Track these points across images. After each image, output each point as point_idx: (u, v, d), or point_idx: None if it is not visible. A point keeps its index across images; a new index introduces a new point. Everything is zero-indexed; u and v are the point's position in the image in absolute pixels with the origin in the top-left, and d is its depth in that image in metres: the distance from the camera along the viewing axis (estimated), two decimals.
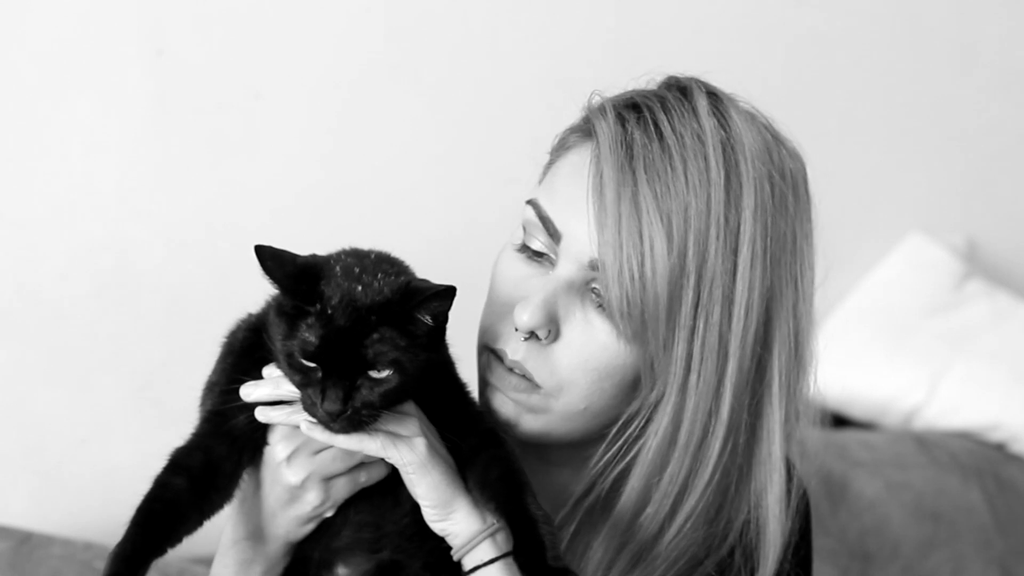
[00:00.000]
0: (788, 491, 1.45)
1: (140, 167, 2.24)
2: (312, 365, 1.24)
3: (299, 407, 1.28)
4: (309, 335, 1.24)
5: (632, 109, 1.40)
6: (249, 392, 1.32)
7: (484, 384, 1.44)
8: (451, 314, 1.30)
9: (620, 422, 1.41)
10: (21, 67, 2.15)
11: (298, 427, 1.29)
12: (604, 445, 1.42)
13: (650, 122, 1.37)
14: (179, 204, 2.28)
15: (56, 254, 2.22)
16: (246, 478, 1.35)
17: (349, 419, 1.25)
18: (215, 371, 1.38)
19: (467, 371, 1.44)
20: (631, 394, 1.40)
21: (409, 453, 1.30)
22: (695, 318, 1.35)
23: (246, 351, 1.35)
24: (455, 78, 2.48)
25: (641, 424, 1.40)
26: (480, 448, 1.35)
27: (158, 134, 2.25)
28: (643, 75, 1.49)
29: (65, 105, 2.19)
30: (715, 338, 1.35)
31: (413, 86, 2.44)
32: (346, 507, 1.36)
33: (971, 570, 2.57)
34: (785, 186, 1.40)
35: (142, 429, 2.27)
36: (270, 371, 1.32)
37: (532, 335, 1.38)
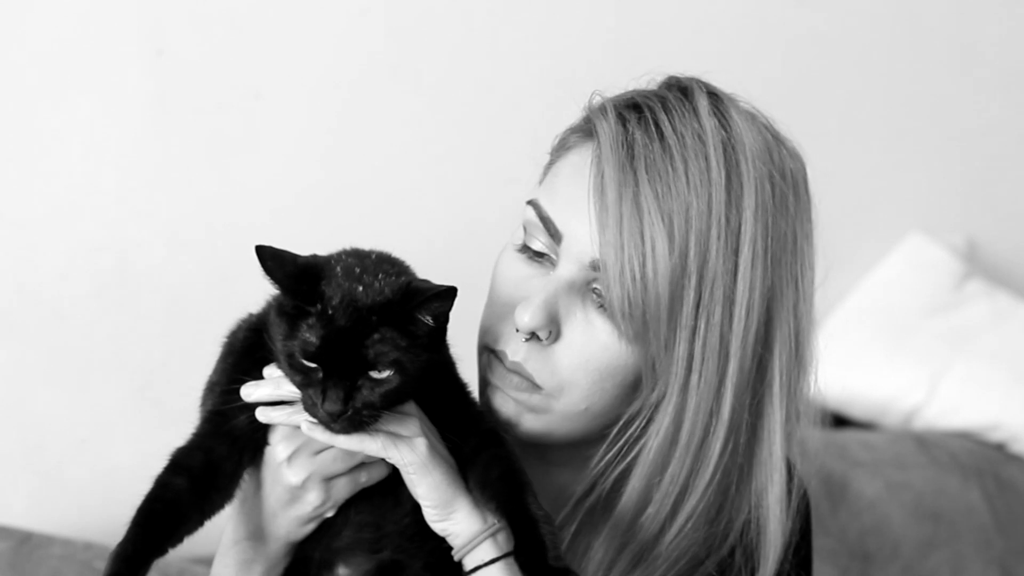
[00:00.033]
0: (789, 491, 1.45)
1: (140, 167, 2.24)
2: (313, 365, 1.24)
3: (300, 407, 1.28)
4: (310, 335, 1.24)
5: (633, 109, 1.40)
6: (250, 392, 1.32)
7: (485, 384, 1.44)
8: (452, 314, 1.30)
9: (621, 422, 1.41)
10: (21, 67, 2.15)
11: (299, 427, 1.29)
12: (605, 445, 1.42)
13: (651, 122, 1.37)
14: (179, 204, 2.28)
15: (56, 254, 2.21)
16: (247, 478, 1.35)
17: (350, 419, 1.25)
18: (216, 371, 1.38)
19: (468, 371, 1.44)
20: (632, 394, 1.40)
21: (410, 453, 1.30)
22: (696, 318, 1.35)
23: (247, 351, 1.35)
24: (455, 78, 2.48)
25: (642, 424, 1.40)
26: (481, 448, 1.35)
27: (158, 134, 2.25)
28: (643, 75, 1.49)
29: (65, 105, 2.19)
30: (716, 338, 1.35)
31: (413, 86, 2.43)
32: (347, 507, 1.36)
33: (971, 570, 2.57)
34: (786, 186, 1.40)
35: (142, 429, 2.27)
36: (271, 371, 1.32)
37: (533, 336, 1.38)
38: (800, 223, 1.42)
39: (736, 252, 1.35)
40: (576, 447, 1.45)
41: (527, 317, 1.36)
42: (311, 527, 1.37)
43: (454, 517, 1.32)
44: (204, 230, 2.30)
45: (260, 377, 1.33)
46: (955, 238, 3.06)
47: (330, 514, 1.36)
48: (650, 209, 1.33)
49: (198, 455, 1.30)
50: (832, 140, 2.83)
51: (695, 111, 1.39)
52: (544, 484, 1.41)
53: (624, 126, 1.38)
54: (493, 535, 1.32)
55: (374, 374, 1.25)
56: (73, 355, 2.24)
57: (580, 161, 1.40)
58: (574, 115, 1.49)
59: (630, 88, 1.47)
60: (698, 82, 1.45)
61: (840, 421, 2.83)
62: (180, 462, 1.30)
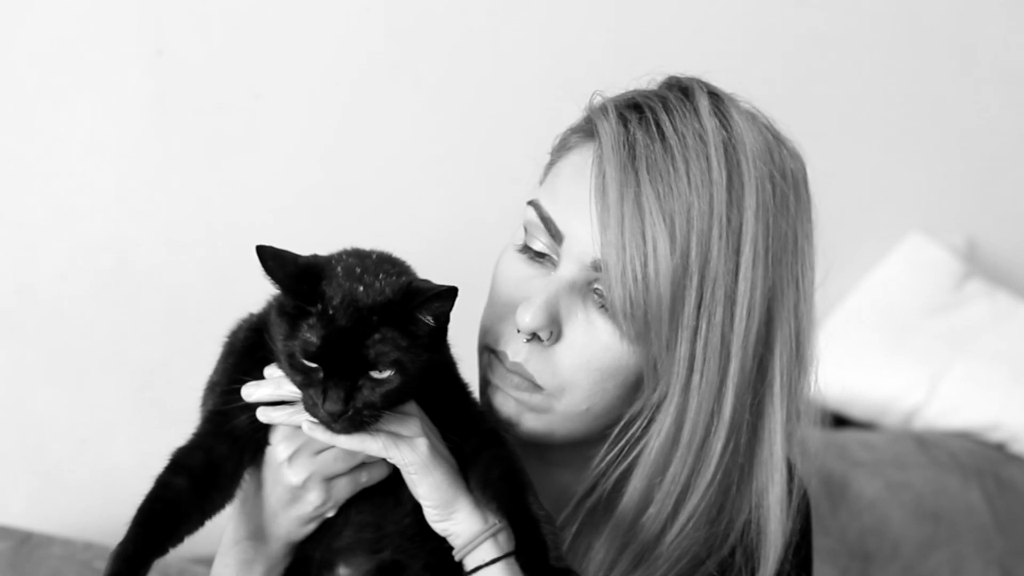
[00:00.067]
0: (789, 491, 1.45)
1: (140, 167, 2.24)
2: (313, 365, 1.24)
3: (300, 407, 1.28)
4: (310, 335, 1.23)
5: (634, 109, 1.40)
6: (250, 392, 1.32)
7: (485, 384, 1.44)
8: (452, 314, 1.30)
9: (622, 422, 1.41)
10: (21, 67, 2.15)
11: (300, 427, 1.29)
12: (606, 445, 1.42)
13: (652, 122, 1.37)
14: (179, 204, 2.28)
15: (56, 254, 2.21)
16: (247, 478, 1.35)
17: (351, 419, 1.25)
18: (216, 371, 1.38)
19: (468, 371, 1.44)
20: (633, 394, 1.40)
21: (411, 453, 1.30)
22: (698, 318, 1.35)
23: (247, 351, 1.35)
24: (455, 78, 2.48)
25: (643, 424, 1.40)
26: (482, 448, 1.35)
27: (158, 134, 2.24)
28: (644, 75, 1.49)
29: (65, 105, 2.19)
30: (718, 338, 1.35)
31: (413, 86, 2.43)
32: (347, 507, 1.36)
33: (971, 570, 2.58)
34: (786, 186, 1.40)
35: (142, 429, 2.27)
36: (271, 371, 1.32)
37: (534, 336, 1.37)
38: (801, 223, 1.42)
39: (737, 252, 1.35)
40: (577, 447, 1.45)
41: (528, 318, 1.36)
42: (312, 527, 1.36)
43: (455, 517, 1.32)
44: (204, 230, 2.30)
45: (261, 377, 1.33)
46: (955, 238, 3.06)
47: (331, 514, 1.36)
48: (651, 209, 1.33)
49: (199, 455, 1.30)
50: (832, 140, 2.83)
51: (696, 111, 1.39)
52: (545, 484, 1.41)
53: (625, 126, 1.38)
54: (494, 535, 1.32)
55: (375, 374, 1.25)
56: (73, 355, 2.24)
57: (581, 161, 1.40)
58: (574, 115, 1.49)
59: (630, 88, 1.47)
60: (699, 82, 1.45)
61: (840, 421, 2.83)
62: (181, 462, 1.30)
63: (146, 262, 2.26)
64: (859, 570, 2.48)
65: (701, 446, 1.39)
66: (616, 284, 1.33)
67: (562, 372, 1.38)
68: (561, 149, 1.47)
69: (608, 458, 1.42)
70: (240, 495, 1.35)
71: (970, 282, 2.98)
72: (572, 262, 1.38)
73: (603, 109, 1.42)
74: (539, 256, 1.41)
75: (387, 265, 1.30)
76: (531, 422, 1.42)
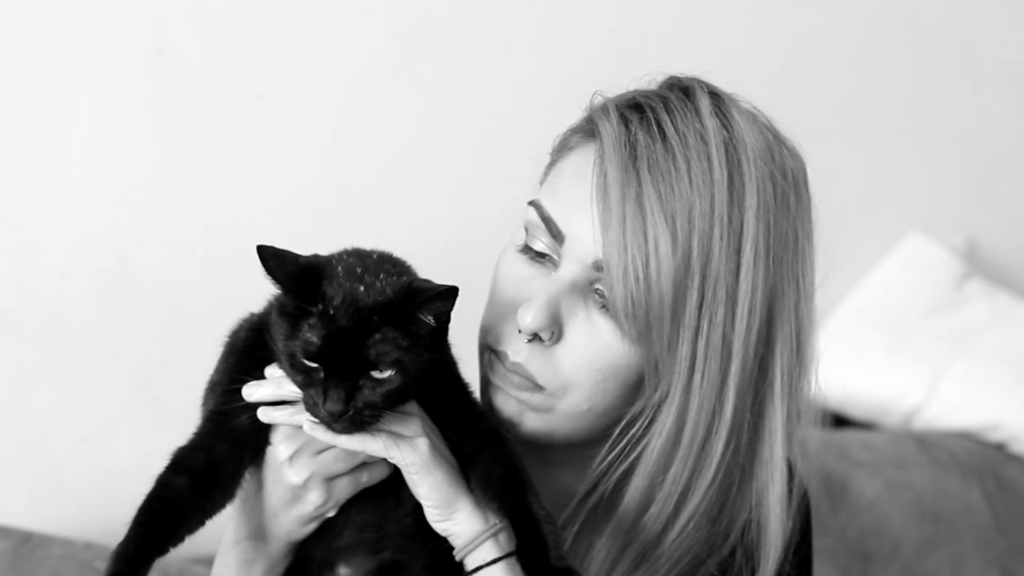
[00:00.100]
0: (789, 490, 1.45)
1: (140, 167, 2.24)
2: (314, 365, 1.24)
3: (301, 407, 1.28)
4: (311, 335, 1.23)
5: (635, 109, 1.40)
6: (251, 392, 1.32)
7: (486, 383, 1.44)
8: (453, 314, 1.30)
9: (623, 422, 1.41)
10: (21, 67, 2.15)
11: (300, 427, 1.29)
12: (607, 445, 1.42)
13: (653, 122, 1.37)
14: (179, 204, 2.28)
15: (56, 254, 2.21)
16: (248, 478, 1.35)
17: (351, 419, 1.25)
18: (217, 370, 1.38)
19: (469, 371, 1.44)
20: (634, 394, 1.40)
21: (412, 453, 1.30)
22: (699, 318, 1.35)
23: (248, 351, 1.35)
24: (455, 78, 2.48)
25: (644, 424, 1.40)
26: (482, 448, 1.35)
27: (158, 134, 2.24)
28: (644, 75, 1.49)
29: (65, 105, 2.19)
30: (719, 338, 1.35)
31: (413, 86, 2.43)
32: (348, 507, 1.36)
33: (971, 570, 2.58)
34: (787, 185, 1.40)
35: (142, 429, 2.27)
36: (272, 371, 1.32)
37: (535, 337, 1.37)
38: (801, 222, 1.42)
39: (738, 252, 1.35)
40: (578, 447, 1.45)
41: (529, 318, 1.35)
42: (312, 527, 1.36)
43: (456, 517, 1.32)
44: (204, 230, 2.30)
45: (262, 377, 1.33)
46: (955, 238, 3.06)
47: (331, 514, 1.36)
48: (653, 209, 1.33)
49: (199, 455, 1.30)
50: (832, 140, 2.83)
51: (697, 111, 1.39)
52: (546, 484, 1.41)
53: (627, 126, 1.38)
54: (495, 535, 1.32)
55: (375, 374, 1.25)
56: (73, 355, 2.24)
57: (582, 161, 1.40)
58: (575, 115, 1.48)
59: (631, 88, 1.47)
60: (699, 82, 1.45)
61: (840, 421, 2.84)
62: (181, 461, 1.30)
63: (146, 262, 2.26)
64: (859, 570, 2.48)
65: (702, 446, 1.39)
66: (618, 284, 1.33)
67: (563, 372, 1.38)
68: (562, 149, 1.47)
69: (609, 458, 1.42)
70: (241, 495, 1.35)
71: (970, 282, 2.98)
72: (573, 262, 1.38)
73: (604, 109, 1.42)
74: (540, 256, 1.41)
75: (388, 265, 1.30)
76: (532, 422, 1.42)
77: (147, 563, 1.24)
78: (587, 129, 1.44)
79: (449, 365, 1.39)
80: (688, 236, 1.33)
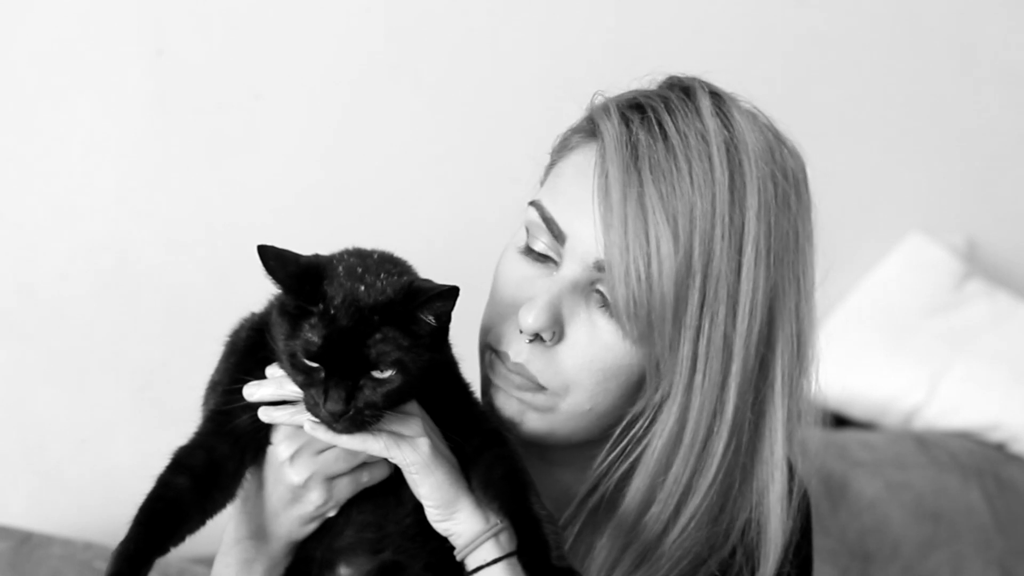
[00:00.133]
0: (789, 490, 1.45)
1: (140, 167, 2.24)
2: (315, 365, 1.24)
3: (302, 407, 1.28)
4: (312, 335, 1.23)
5: (636, 109, 1.40)
6: (252, 392, 1.31)
7: (487, 383, 1.44)
8: (453, 314, 1.30)
9: (624, 422, 1.41)
10: (21, 67, 2.15)
11: (301, 427, 1.29)
12: (608, 445, 1.42)
13: (654, 122, 1.37)
14: (179, 204, 2.28)
15: (56, 254, 2.21)
16: (249, 477, 1.35)
17: (352, 419, 1.25)
18: (218, 370, 1.38)
19: (470, 371, 1.44)
20: (635, 394, 1.40)
21: (412, 453, 1.30)
22: (701, 318, 1.35)
23: (249, 350, 1.35)
24: (455, 78, 2.48)
25: (645, 424, 1.40)
26: (483, 448, 1.35)
27: (158, 134, 2.24)
28: (644, 75, 1.49)
29: (65, 105, 2.19)
30: (720, 338, 1.35)
31: (413, 86, 2.43)
32: (348, 507, 1.36)
33: (971, 570, 2.58)
34: (787, 185, 1.40)
35: (142, 429, 2.27)
36: (273, 371, 1.32)
37: (536, 337, 1.37)
38: (802, 222, 1.42)
39: (740, 252, 1.35)
40: (579, 447, 1.45)
41: (531, 318, 1.35)
42: (313, 527, 1.36)
43: (456, 517, 1.32)
44: (204, 230, 2.30)
45: (262, 377, 1.32)
46: (955, 238, 3.06)
47: (332, 514, 1.36)
48: (655, 209, 1.33)
49: (200, 454, 1.30)
50: (832, 140, 2.83)
51: (698, 111, 1.39)
52: (547, 484, 1.41)
53: (628, 126, 1.38)
54: (495, 535, 1.32)
55: (376, 374, 1.25)
56: (73, 355, 2.24)
57: (583, 161, 1.40)
58: (575, 115, 1.48)
59: (631, 88, 1.47)
60: (700, 82, 1.45)
61: (840, 421, 2.83)
62: (182, 461, 1.30)
63: (146, 262, 2.26)
64: (859, 570, 2.48)
65: (704, 445, 1.39)
66: (620, 284, 1.33)
67: (565, 372, 1.38)
68: (562, 149, 1.47)
69: (610, 458, 1.42)
70: (241, 494, 1.35)
71: (970, 282, 2.98)
72: (575, 262, 1.38)
73: (605, 109, 1.42)
74: (541, 257, 1.41)
75: (389, 265, 1.30)
76: (534, 422, 1.42)
77: (148, 563, 1.24)
78: (588, 129, 1.44)
79: (450, 365, 1.39)
80: (690, 236, 1.33)
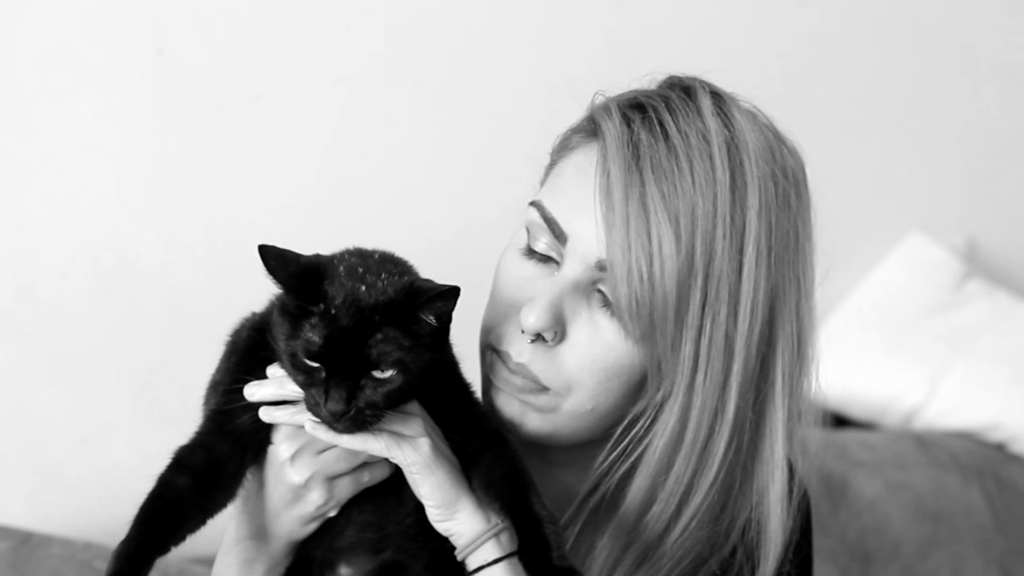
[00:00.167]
0: (790, 490, 1.45)
1: (140, 167, 2.24)
2: (316, 365, 1.24)
3: (303, 407, 1.28)
4: (313, 335, 1.23)
5: (637, 109, 1.40)
6: (253, 392, 1.31)
7: (488, 384, 1.44)
8: (454, 314, 1.30)
9: (626, 422, 1.41)
10: (21, 67, 2.15)
11: (302, 427, 1.29)
12: (609, 445, 1.42)
13: (656, 122, 1.37)
14: (179, 204, 2.28)
15: (56, 254, 2.21)
16: (250, 477, 1.35)
17: (353, 419, 1.25)
18: (219, 370, 1.38)
19: (470, 371, 1.44)
20: (637, 394, 1.40)
21: (413, 453, 1.30)
22: (703, 317, 1.35)
23: (250, 350, 1.35)
24: (455, 78, 2.48)
25: (646, 424, 1.40)
26: (484, 448, 1.35)
27: (158, 134, 2.25)
28: (644, 75, 1.49)
29: (65, 105, 2.19)
30: (722, 337, 1.35)
31: (413, 86, 2.44)
32: (349, 507, 1.36)
33: (971, 570, 2.58)
34: (788, 184, 1.40)
35: (142, 429, 2.27)
36: (274, 371, 1.32)
37: (538, 337, 1.37)
38: (802, 221, 1.42)
39: (741, 251, 1.35)
40: (580, 447, 1.45)
41: (533, 318, 1.35)
42: (313, 526, 1.36)
43: (457, 517, 1.32)
44: (204, 230, 2.30)
45: (263, 376, 1.32)
46: (955, 238, 3.06)
47: (332, 514, 1.35)
48: (657, 209, 1.33)
49: (201, 454, 1.30)
50: (832, 140, 2.83)
51: (699, 111, 1.39)
52: (548, 484, 1.40)
53: (629, 126, 1.38)
54: (496, 535, 1.32)
55: (377, 374, 1.24)
56: (73, 355, 2.24)
57: (584, 161, 1.40)
58: (575, 115, 1.48)
59: (631, 88, 1.47)
60: (700, 82, 1.45)
61: (840, 421, 2.83)
62: (183, 461, 1.30)
63: (146, 262, 2.26)
64: (859, 570, 2.48)
65: (705, 445, 1.39)
66: (622, 284, 1.33)
67: (567, 372, 1.38)
68: (562, 149, 1.47)
69: (611, 457, 1.42)
70: (242, 494, 1.35)
71: (970, 282, 2.98)
72: (576, 262, 1.38)
73: (606, 109, 1.42)
74: (542, 257, 1.41)
75: (389, 265, 1.30)
76: (535, 423, 1.42)
77: (148, 562, 1.24)
78: (588, 129, 1.44)
79: (450, 365, 1.39)
80: (691, 236, 1.33)
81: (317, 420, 1.27)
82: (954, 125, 3.05)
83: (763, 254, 1.36)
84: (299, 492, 1.33)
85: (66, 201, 2.21)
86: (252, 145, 2.32)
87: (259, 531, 1.37)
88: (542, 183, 1.49)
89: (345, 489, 1.34)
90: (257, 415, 1.31)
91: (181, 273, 2.29)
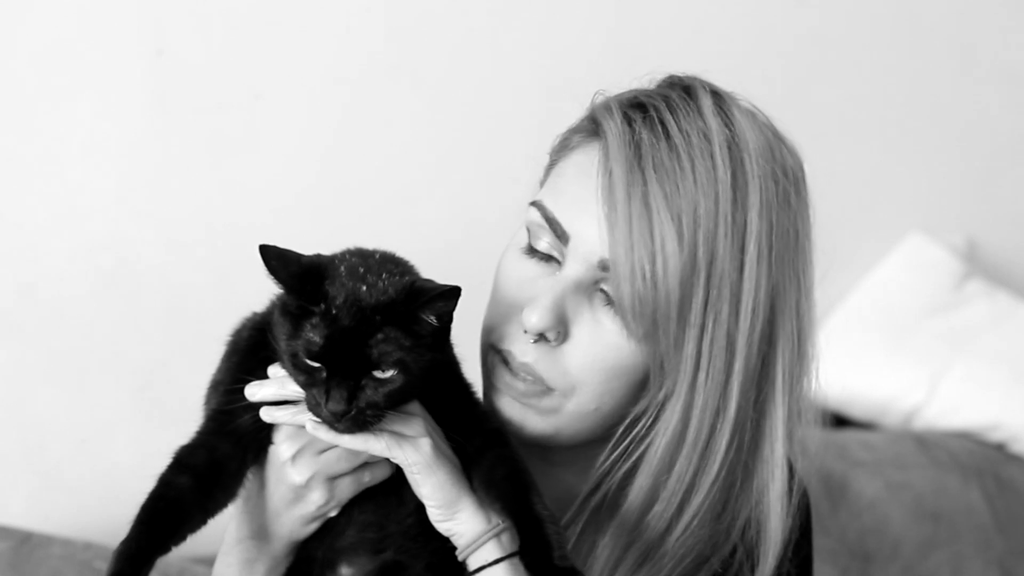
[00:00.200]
0: (789, 489, 1.45)
1: (140, 167, 2.24)
2: (317, 365, 1.24)
3: (304, 407, 1.28)
4: (313, 335, 1.23)
5: (638, 109, 1.40)
6: (254, 392, 1.31)
7: (489, 384, 1.44)
8: (455, 314, 1.30)
9: (627, 421, 1.41)
10: (21, 67, 2.15)
11: (303, 427, 1.29)
12: (611, 444, 1.42)
13: (657, 121, 1.38)
14: (179, 204, 2.28)
15: (56, 254, 2.21)
16: (251, 477, 1.35)
17: (354, 419, 1.25)
18: (220, 370, 1.38)
19: (471, 371, 1.43)
20: (639, 393, 1.40)
21: (414, 453, 1.30)
22: (705, 316, 1.35)
23: (251, 350, 1.35)
24: (455, 78, 2.48)
25: (648, 423, 1.40)
26: (485, 448, 1.35)
27: (158, 134, 2.24)
28: (645, 75, 1.49)
29: (65, 105, 2.19)
30: (723, 336, 1.36)
31: (413, 86, 2.44)
32: (350, 507, 1.36)
33: (971, 570, 2.58)
34: (787, 183, 1.41)
35: (142, 429, 2.27)
36: (275, 371, 1.32)
37: (541, 337, 1.37)
38: (802, 220, 1.42)
39: (742, 250, 1.35)
40: (581, 447, 1.45)
41: (535, 318, 1.35)
42: (314, 526, 1.36)
43: (458, 517, 1.32)
44: (204, 230, 2.30)
45: (264, 376, 1.32)
46: (955, 238, 3.06)
47: (333, 513, 1.35)
48: (659, 208, 1.33)
49: (202, 454, 1.30)
50: (832, 140, 2.83)
51: (699, 110, 1.39)
52: (549, 484, 1.40)
53: (630, 125, 1.38)
54: (497, 535, 1.32)
55: (378, 374, 1.24)
56: (73, 355, 2.24)
57: (585, 161, 1.40)
58: (575, 115, 1.48)
59: (631, 87, 1.47)
60: (700, 81, 1.45)
61: (840, 421, 2.83)
62: (184, 460, 1.30)
63: (146, 262, 2.26)
64: (859, 570, 2.48)
65: (706, 444, 1.39)
66: (624, 283, 1.33)
67: (571, 372, 1.38)
68: (563, 149, 1.47)
69: (613, 457, 1.42)
70: (243, 494, 1.35)
71: (970, 282, 2.98)
72: (578, 262, 1.37)
73: (607, 108, 1.42)
74: (544, 256, 1.41)
75: (390, 265, 1.30)
76: (538, 424, 1.41)
77: (149, 562, 1.24)
78: (588, 129, 1.44)
79: (451, 365, 1.39)
80: (693, 235, 1.33)
81: (318, 420, 1.27)
82: (954, 125, 3.05)
83: (764, 252, 1.36)
84: (300, 492, 1.33)
85: (66, 201, 2.21)
86: (252, 145, 2.32)
87: (260, 531, 1.37)
88: (542, 183, 1.49)
89: (346, 489, 1.34)
90: (258, 415, 1.31)
91: (181, 273, 2.29)
